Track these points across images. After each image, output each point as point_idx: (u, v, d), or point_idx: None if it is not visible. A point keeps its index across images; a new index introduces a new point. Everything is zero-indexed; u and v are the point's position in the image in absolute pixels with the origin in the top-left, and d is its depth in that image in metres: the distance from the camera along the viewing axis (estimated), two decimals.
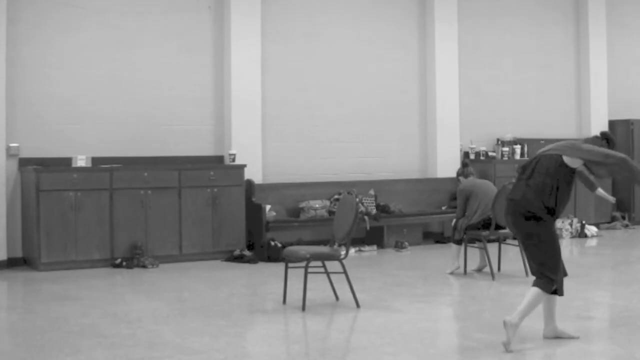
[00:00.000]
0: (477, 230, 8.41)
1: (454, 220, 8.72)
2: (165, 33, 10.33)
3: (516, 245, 8.62)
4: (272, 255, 9.64)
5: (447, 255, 9.13)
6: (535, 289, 5.46)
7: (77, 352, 5.37)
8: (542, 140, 12.96)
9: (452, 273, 8.61)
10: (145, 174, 9.50)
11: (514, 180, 9.05)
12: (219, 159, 10.52)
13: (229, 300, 7.32)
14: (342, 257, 6.80)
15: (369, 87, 11.71)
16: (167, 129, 10.30)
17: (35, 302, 7.40)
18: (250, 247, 10.04)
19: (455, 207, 9.03)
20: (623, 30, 14.02)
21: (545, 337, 5.67)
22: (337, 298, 7.06)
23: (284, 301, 7.00)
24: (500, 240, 8.90)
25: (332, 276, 7.05)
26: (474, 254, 8.77)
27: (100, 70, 9.92)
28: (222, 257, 9.80)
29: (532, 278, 8.16)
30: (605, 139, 5.71)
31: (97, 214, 9.18)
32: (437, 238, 11.48)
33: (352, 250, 10.03)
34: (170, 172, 9.67)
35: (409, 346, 5.52)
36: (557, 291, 5.54)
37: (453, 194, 10.74)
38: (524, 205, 5.49)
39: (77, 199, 9.07)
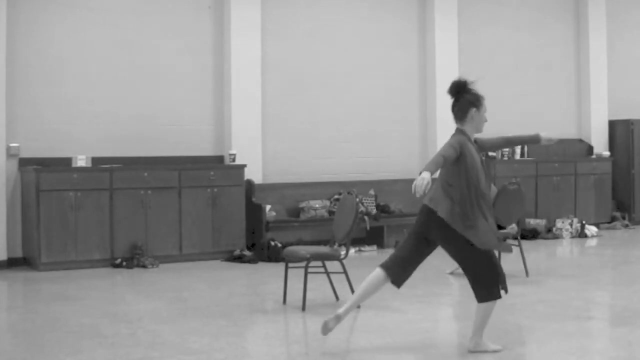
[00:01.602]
0: None
1: None
2: (165, 33, 10.33)
3: (516, 245, 8.62)
4: (272, 255, 9.64)
5: (447, 255, 9.10)
6: None
7: (77, 352, 5.37)
8: None
9: (452, 273, 8.61)
10: (145, 174, 9.50)
11: (513, 180, 9.11)
12: (219, 159, 10.52)
13: (229, 300, 7.32)
14: (342, 257, 6.80)
15: (369, 86, 11.70)
16: (167, 129, 10.29)
17: (35, 302, 7.40)
18: (250, 247, 10.04)
19: None
20: (623, 30, 14.02)
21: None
22: (337, 298, 7.06)
23: (284, 301, 7.00)
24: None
25: (332, 276, 7.05)
26: None
27: (100, 70, 9.92)
28: (222, 257, 9.80)
29: (532, 278, 8.23)
30: (456, 89, 5.42)
31: (97, 214, 9.18)
32: None
33: (352, 250, 10.03)
34: (170, 172, 9.67)
35: (409, 346, 5.52)
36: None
37: None
38: None
39: (77, 199, 9.07)
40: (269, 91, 10.89)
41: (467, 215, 5.09)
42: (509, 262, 8.91)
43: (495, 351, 5.29)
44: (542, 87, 13.32)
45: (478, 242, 5.10)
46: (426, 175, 4.83)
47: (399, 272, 5.29)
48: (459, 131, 5.32)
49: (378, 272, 5.30)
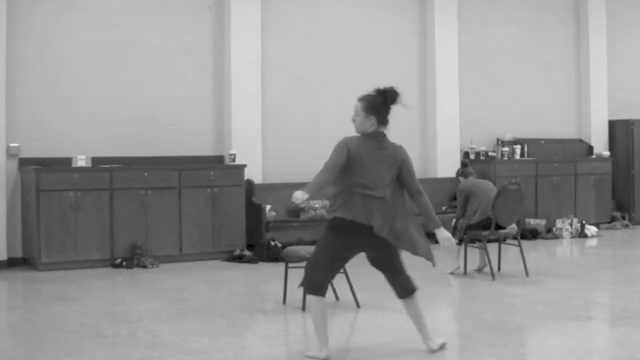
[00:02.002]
0: (477, 230, 8.41)
1: (454, 220, 8.72)
2: (165, 33, 10.33)
3: (516, 245, 8.63)
4: (272, 255, 9.64)
5: (447, 256, 9.12)
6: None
7: (77, 352, 5.37)
8: (542, 140, 12.99)
9: (452, 273, 8.61)
10: (145, 174, 9.50)
11: (513, 180, 9.11)
12: (219, 159, 10.52)
13: (229, 300, 7.32)
14: None
15: (369, 86, 11.62)
16: (167, 129, 10.29)
17: (35, 302, 7.40)
18: (250, 247, 10.04)
19: (455, 207, 9.03)
20: (623, 30, 14.02)
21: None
22: (337, 298, 7.06)
23: (284, 301, 7.00)
24: (500, 240, 8.90)
25: None
26: (474, 254, 8.77)
27: (100, 70, 9.92)
28: (222, 257, 9.80)
29: (532, 278, 8.24)
30: (382, 95, 5.28)
31: (97, 214, 9.18)
32: None
33: None
34: (170, 172, 9.67)
35: (409, 346, 5.52)
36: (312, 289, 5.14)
37: (453, 194, 10.74)
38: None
39: (77, 199, 9.07)
40: (269, 91, 10.89)
41: (399, 227, 5.07)
42: (509, 262, 8.92)
43: (442, 345, 5.27)
44: (542, 87, 13.33)
45: (415, 250, 5.08)
46: (448, 234, 5.17)
47: (326, 286, 5.22)
48: (386, 135, 5.24)
49: (314, 299, 5.13)
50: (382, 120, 5.23)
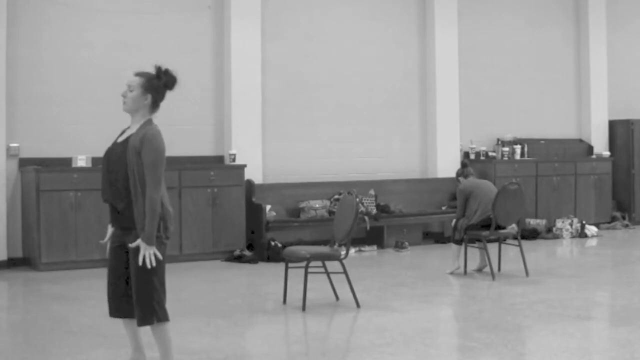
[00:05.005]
0: (477, 230, 8.40)
1: (454, 221, 8.72)
2: (165, 33, 10.33)
3: (516, 245, 8.63)
4: (272, 255, 9.64)
5: (447, 255, 9.13)
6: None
7: (77, 352, 5.37)
8: (542, 140, 12.99)
9: (452, 273, 8.61)
10: None
11: (513, 180, 9.11)
12: (219, 159, 10.51)
13: (229, 300, 7.32)
14: (342, 257, 6.80)
15: (369, 87, 11.71)
16: (167, 129, 10.20)
17: (35, 302, 7.40)
18: (250, 247, 10.04)
19: (455, 207, 9.03)
20: (623, 30, 14.02)
21: None
22: (337, 298, 7.06)
23: (284, 301, 7.00)
24: (500, 240, 8.90)
25: (332, 276, 7.05)
26: (474, 254, 8.77)
27: (100, 70, 9.91)
28: (222, 257, 9.79)
29: (532, 278, 8.24)
30: (164, 76, 4.64)
31: (97, 214, 9.15)
32: (437, 238, 11.48)
33: (352, 250, 10.02)
34: (170, 172, 9.65)
35: (409, 346, 5.52)
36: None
37: (453, 194, 10.74)
38: None
39: (77, 199, 9.07)
40: (269, 91, 10.89)
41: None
42: (509, 262, 8.92)
43: None
44: (542, 87, 13.33)
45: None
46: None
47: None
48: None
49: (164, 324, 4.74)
50: (156, 104, 4.71)
